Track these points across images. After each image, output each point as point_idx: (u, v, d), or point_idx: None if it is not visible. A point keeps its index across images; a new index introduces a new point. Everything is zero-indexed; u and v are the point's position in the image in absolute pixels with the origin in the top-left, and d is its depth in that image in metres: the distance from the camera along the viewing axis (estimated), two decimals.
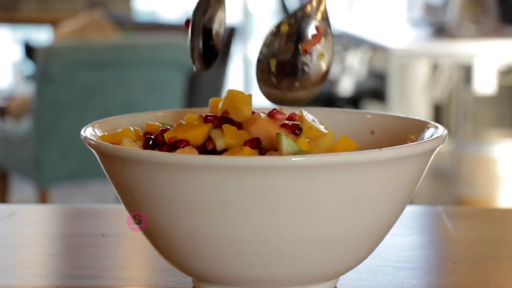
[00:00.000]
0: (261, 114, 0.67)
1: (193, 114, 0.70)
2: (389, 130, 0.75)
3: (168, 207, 0.62)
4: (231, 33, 4.04)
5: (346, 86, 4.85)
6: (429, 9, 4.11)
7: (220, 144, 0.65)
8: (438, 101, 4.20)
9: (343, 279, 0.71)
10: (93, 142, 0.66)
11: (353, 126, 0.78)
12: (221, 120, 0.67)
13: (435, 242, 0.89)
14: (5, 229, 0.92)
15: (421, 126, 0.72)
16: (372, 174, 0.61)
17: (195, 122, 0.68)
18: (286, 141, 0.63)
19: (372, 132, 0.77)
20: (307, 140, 0.66)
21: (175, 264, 0.67)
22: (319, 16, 0.66)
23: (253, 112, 0.68)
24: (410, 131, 0.72)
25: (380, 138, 0.75)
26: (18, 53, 5.52)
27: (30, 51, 3.77)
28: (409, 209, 0.94)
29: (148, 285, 0.75)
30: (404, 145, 0.64)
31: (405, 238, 0.86)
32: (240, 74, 6.43)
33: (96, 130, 0.71)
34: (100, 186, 3.98)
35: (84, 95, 3.04)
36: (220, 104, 0.69)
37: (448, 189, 3.66)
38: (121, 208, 0.70)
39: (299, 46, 0.67)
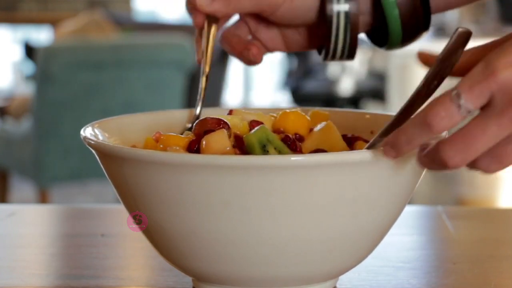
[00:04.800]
0: None
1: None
2: None
3: (168, 207, 0.62)
4: None
5: (346, 86, 4.85)
6: None
7: None
8: None
9: (343, 279, 0.71)
10: (93, 142, 0.66)
11: (353, 126, 0.78)
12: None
13: (435, 242, 0.89)
14: (5, 229, 0.92)
15: None
16: (372, 174, 0.61)
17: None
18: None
19: (372, 132, 0.77)
20: None
21: (175, 264, 0.67)
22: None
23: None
24: None
25: None
26: (18, 53, 5.52)
27: (30, 51, 3.77)
28: (409, 209, 0.94)
29: (148, 285, 0.75)
30: None
31: (405, 238, 0.86)
32: (240, 74, 6.43)
33: (96, 130, 0.71)
34: (100, 186, 3.98)
35: (84, 95, 3.04)
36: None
37: (448, 189, 3.66)
38: (121, 208, 0.70)
39: None
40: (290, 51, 0.87)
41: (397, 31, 0.80)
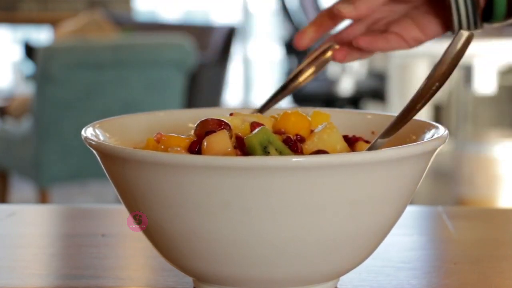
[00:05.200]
0: None
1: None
2: None
3: (168, 207, 0.62)
4: (231, 33, 4.04)
5: (346, 86, 4.85)
6: None
7: None
8: (438, 101, 4.20)
9: (344, 279, 0.71)
10: (94, 143, 0.66)
11: (353, 126, 0.78)
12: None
13: (435, 242, 0.89)
14: (5, 229, 0.92)
15: (421, 127, 0.72)
16: (372, 174, 0.61)
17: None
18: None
19: (372, 132, 0.77)
20: None
21: (175, 264, 0.67)
22: None
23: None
24: (410, 131, 0.72)
25: None
26: (18, 53, 5.53)
27: (30, 51, 3.77)
28: (409, 209, 0.94)
29: (148, 285, 0.75)
30: (405, 145, 0.64)
31: (405, 238, 0.86)
32: (240, 74, 6.43)
33: (97, 131, 0.71)
34: (100, 186, 3.98)
35: (84, 95, 3.04)
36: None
37: (448, 189, 3.66)
38: (121, 208, 0.70)
39: None
40: (429, 39, 0.88)
41: (502, 4, 0.82)
